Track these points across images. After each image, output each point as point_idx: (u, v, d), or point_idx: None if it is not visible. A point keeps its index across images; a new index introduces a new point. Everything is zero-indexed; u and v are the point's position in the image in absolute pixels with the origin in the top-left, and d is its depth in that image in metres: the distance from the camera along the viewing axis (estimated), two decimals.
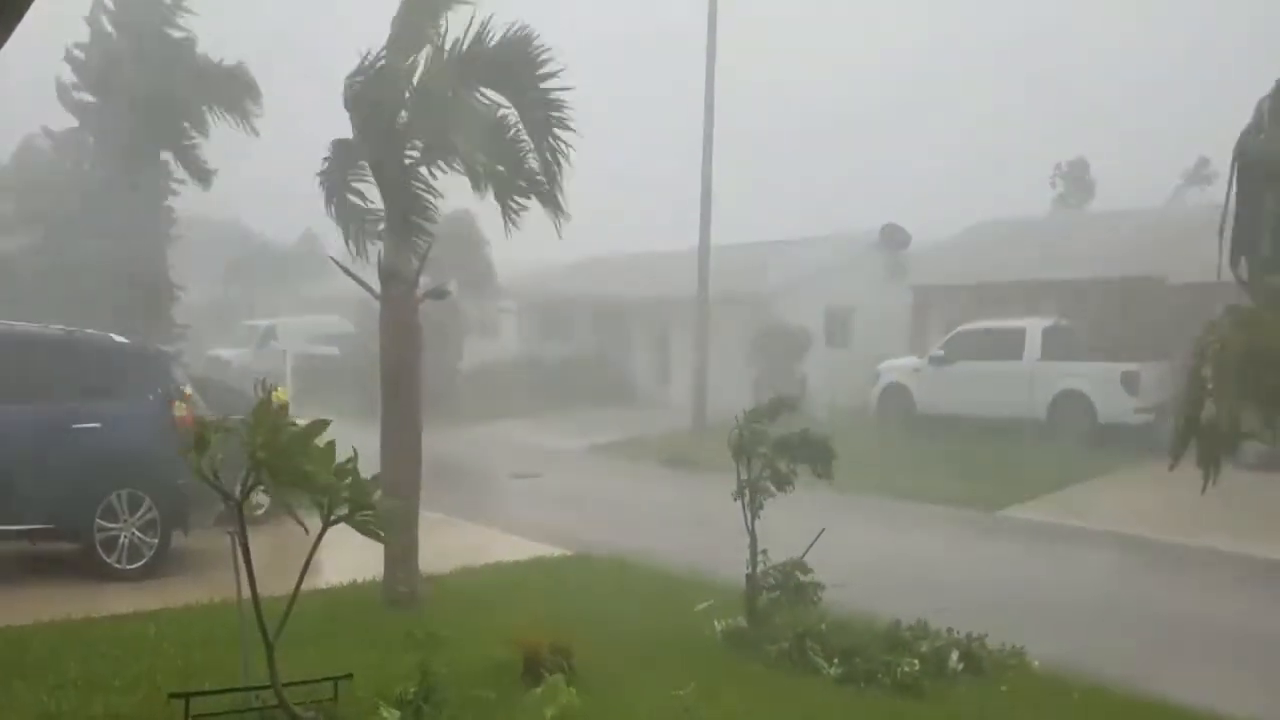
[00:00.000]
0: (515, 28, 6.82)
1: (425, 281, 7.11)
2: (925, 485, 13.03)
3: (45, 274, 15.22)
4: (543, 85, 6.88)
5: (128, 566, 7.79)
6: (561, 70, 6.90)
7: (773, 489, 6.14)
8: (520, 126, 7.02)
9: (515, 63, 6.86)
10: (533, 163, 7.04)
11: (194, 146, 17.10)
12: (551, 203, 7.02)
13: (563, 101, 6.92)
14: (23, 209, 17.11)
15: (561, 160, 6.97)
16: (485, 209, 7.32)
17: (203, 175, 17.32)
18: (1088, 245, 19.66)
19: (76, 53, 17.14)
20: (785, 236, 24.77)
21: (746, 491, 6.22)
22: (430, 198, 6.87)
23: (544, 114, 6.94)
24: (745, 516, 6.23)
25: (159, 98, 16.12)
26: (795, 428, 6.27)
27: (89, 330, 8.63)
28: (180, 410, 7.85)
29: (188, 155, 17.19)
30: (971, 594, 7.90)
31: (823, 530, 6.31)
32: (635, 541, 9.37)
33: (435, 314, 7.30)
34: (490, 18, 6.82)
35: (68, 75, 17.22)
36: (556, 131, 6.94)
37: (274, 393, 3.09)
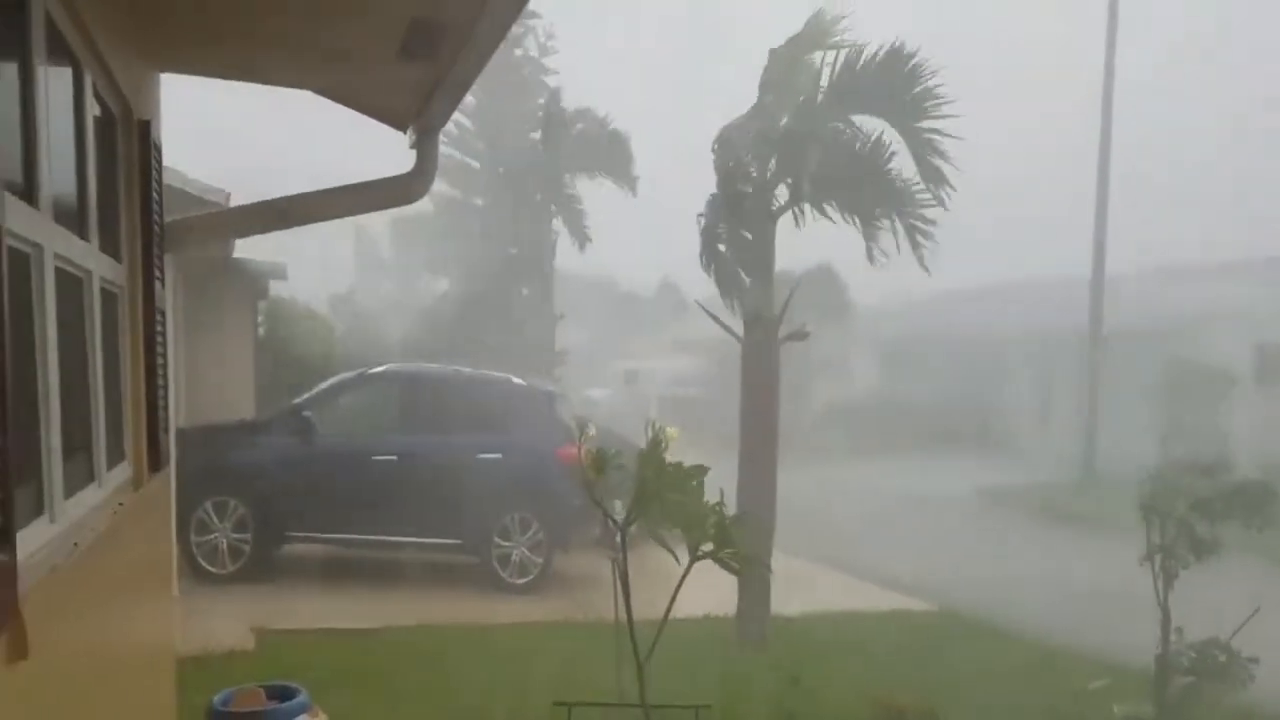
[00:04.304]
0: (890, 45, 6.72)
1: (786, 324, 7.21)
2: None
3: (455, 318, 18.06)
4: (924, 105, 6.71)
5: (517, 581, 8.74)
6: (940, 83, 6.66)
7: (1190, 558, 5.28)
8: (893, 149, 6.88)
9: (892, 83, 6.75)
10: (898, 185, 6.88)
11: (580, 212, 19.45)
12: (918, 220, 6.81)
13: (940, 114, 6.68)
14: (434, 258, 20.60)
15: (944, 183, 6.75)
16: (847, 248, 7.27)
17: (583, 238, 19.58)
18: None
19: (464, 120, 20.12)
20: (1194, 262, 21.56)
21: (1157, 557, 5.40)
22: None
23: (923, 133, 6.73)
24: (1156, 587, 5.41)
25: (548, 164, 18.52)
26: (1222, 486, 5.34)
27: (492, 372, 9.97)
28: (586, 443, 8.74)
29: (573, 217, 19.54)
30: None
31: (1258, 609, 5.31)
32: (1008, 603, 8.60)
33: (793, 353, 7.34)
34: (856, 44, 6.81)
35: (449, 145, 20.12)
36: (936, 147, 6.72)
37: (665, 430, 3.33)
